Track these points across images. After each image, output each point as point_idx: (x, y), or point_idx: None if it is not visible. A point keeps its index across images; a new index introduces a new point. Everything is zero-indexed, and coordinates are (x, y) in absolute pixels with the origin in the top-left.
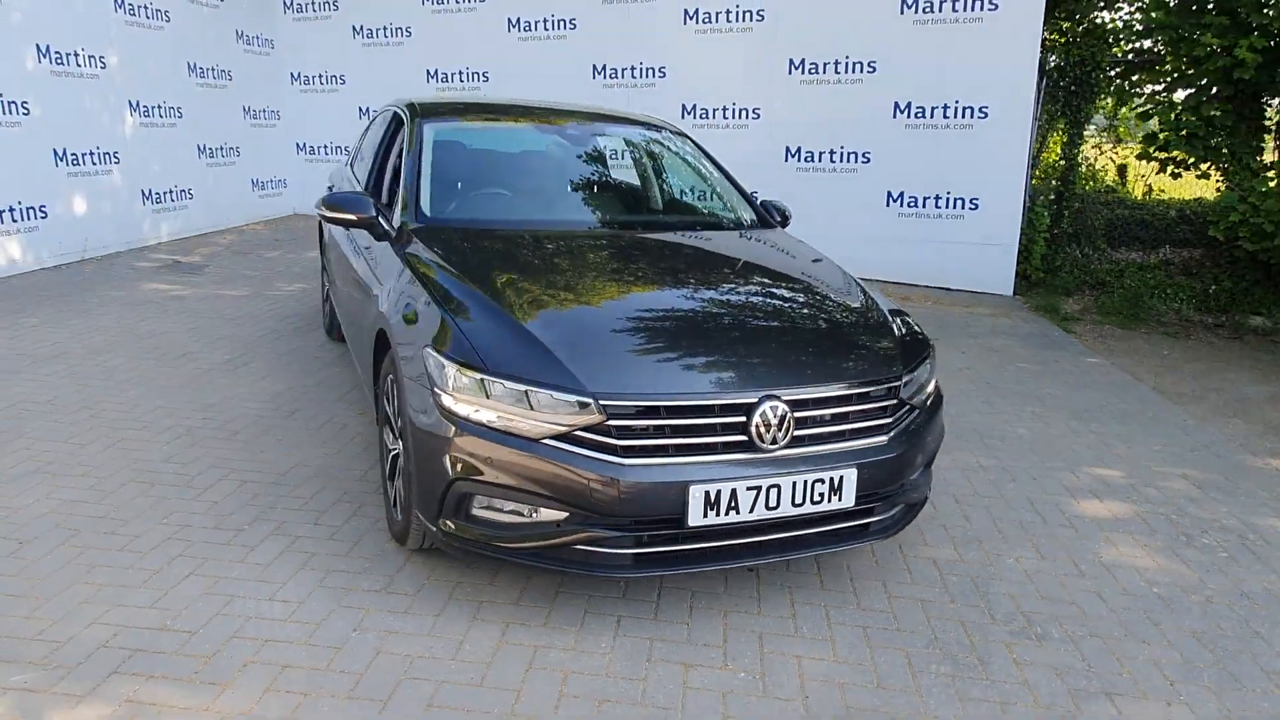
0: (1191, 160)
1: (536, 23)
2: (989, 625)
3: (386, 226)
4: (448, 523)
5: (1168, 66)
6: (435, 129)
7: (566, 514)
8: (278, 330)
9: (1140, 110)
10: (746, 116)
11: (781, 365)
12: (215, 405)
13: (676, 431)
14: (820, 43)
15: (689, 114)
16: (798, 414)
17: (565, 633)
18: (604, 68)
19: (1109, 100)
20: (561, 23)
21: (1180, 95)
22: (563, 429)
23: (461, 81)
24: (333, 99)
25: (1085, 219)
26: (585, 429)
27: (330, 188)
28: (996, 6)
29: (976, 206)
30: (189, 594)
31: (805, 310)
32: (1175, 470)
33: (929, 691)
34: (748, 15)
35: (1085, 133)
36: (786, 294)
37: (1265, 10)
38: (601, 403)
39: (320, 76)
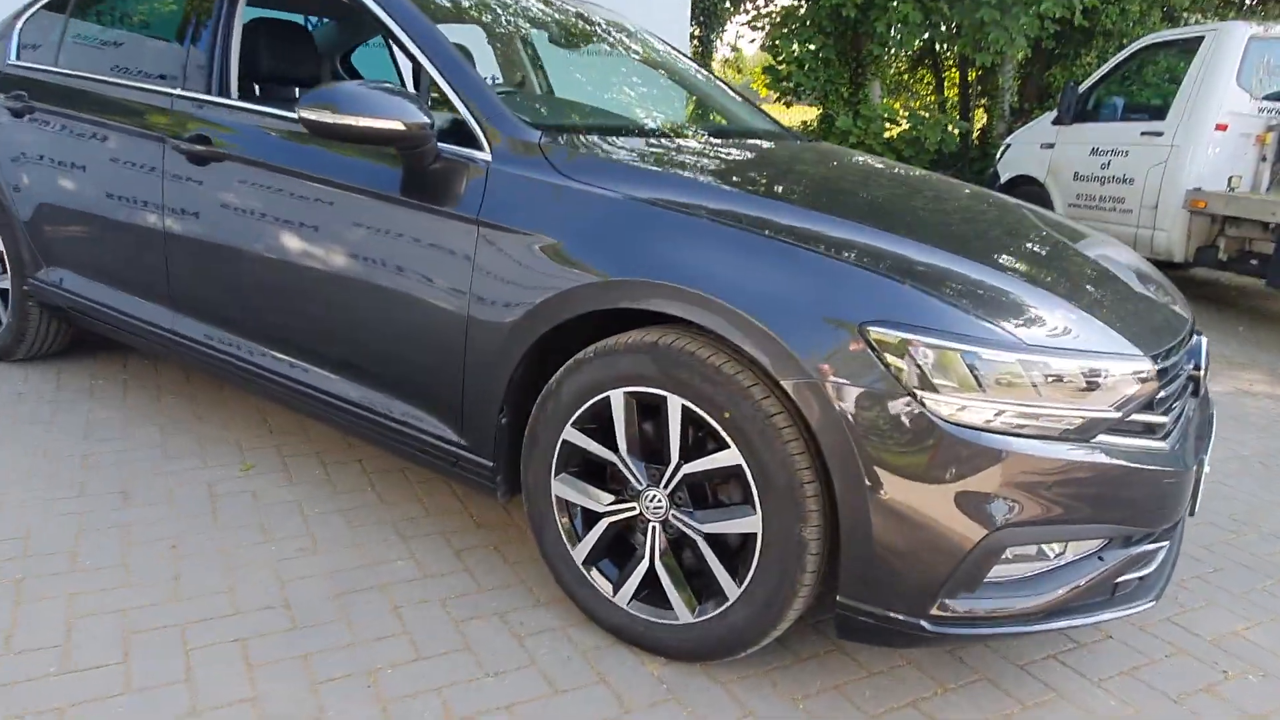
0: (801, 87)
1: None
2: None
3: (462, 148)
4: (948, 605)
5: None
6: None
7: (1107, 539)
8: None
9: (767, 45)
10: None
11: (1168, 297)
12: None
13: (1176, 396)
14: None
15: None
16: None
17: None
18: None
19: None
20: None
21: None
22: (1115, 414)
23: None
24: None
25: None
26: (1140, 409)
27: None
28: None
29: None
30: None
31: (1070, 228)
32: None
33: None
34: None
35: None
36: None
37: None
38: (1158, 368)
39: None
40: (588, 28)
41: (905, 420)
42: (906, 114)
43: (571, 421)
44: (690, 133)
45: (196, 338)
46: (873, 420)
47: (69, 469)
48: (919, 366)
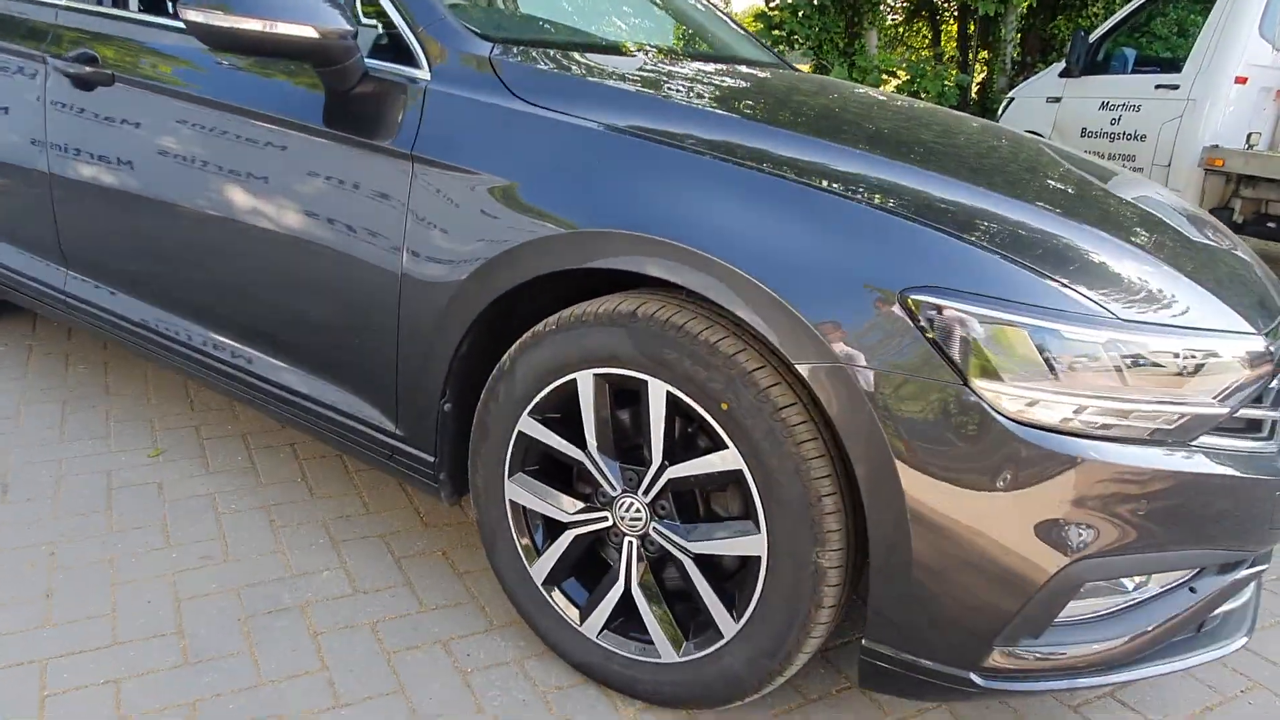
0: (795, 36)
1: None
2: None
3: (400, 67)
4: (1005, 654)
5: None
6: None
7: (1198, 567)
8: None
9: None
10: None
11: (1230, 242)
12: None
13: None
14: None
15: None
16: None
17: None
18: None
19: None
20: None
21: None
22: (1222, 410)
23: None
24: None
25: None
26: (1248, 401)
27: None
28: None
29: None
30: None
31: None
32: None
33: None
34: None
35: None
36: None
37: None
38: (1272, 348)
39: None
40: None
41: (959, 419)
42: (905, 66)
43: (529, 410)
44: (676, 56)
45: (92, 301)
46: (916, 418)
47: None
48: (979, 348)
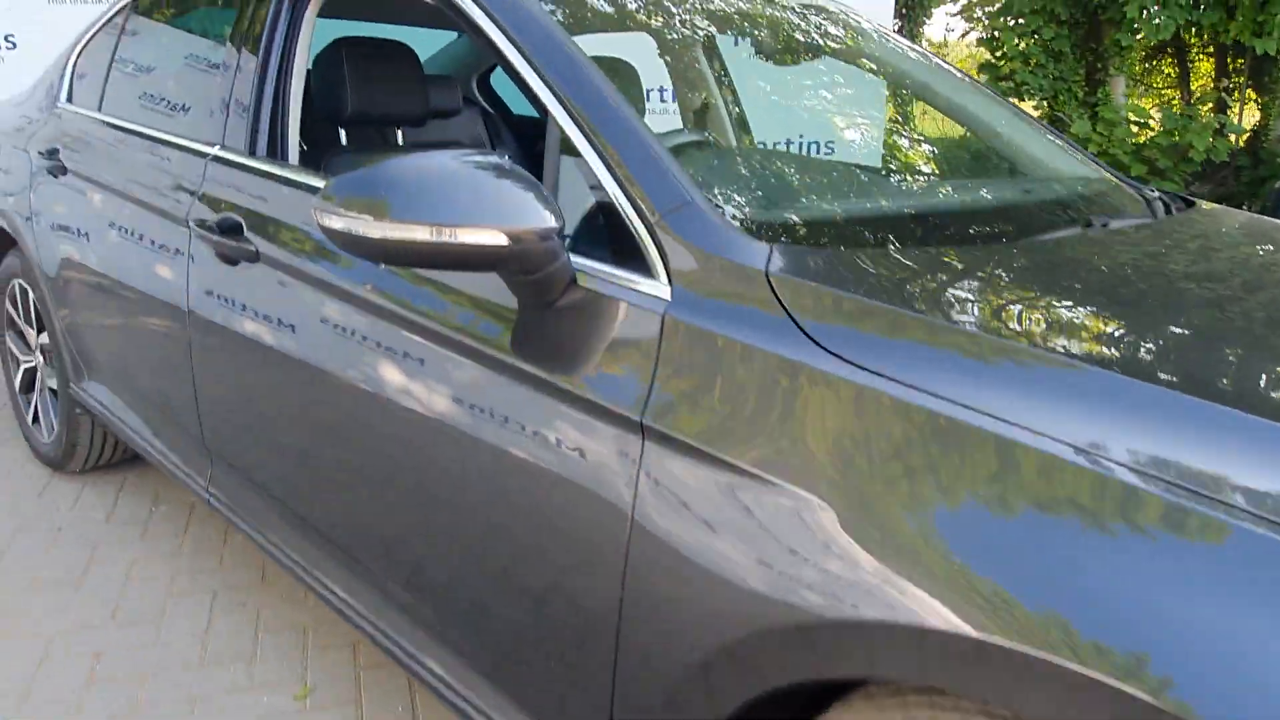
0: (1026, 87)
1: None
2: None
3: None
4: None
5: None
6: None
7: None
8: None
9: (986, 39)
10: None
11: None
12: None
13: None
14: None
15: None
16: None
17: None
18: None
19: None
20: None
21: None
22: None
23: None
24: None
25: None
26: None
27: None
28: None
29: None
30: None
31: None
32: None
33: None
34: None
35: None
36: None
37: None
38: None
39: None
40: (790, 20)
41: None
42: (1161, 114)
43: None
44: (1013, 208)
45: (239, 512)
46: None
47: (65, 684)
48: None
